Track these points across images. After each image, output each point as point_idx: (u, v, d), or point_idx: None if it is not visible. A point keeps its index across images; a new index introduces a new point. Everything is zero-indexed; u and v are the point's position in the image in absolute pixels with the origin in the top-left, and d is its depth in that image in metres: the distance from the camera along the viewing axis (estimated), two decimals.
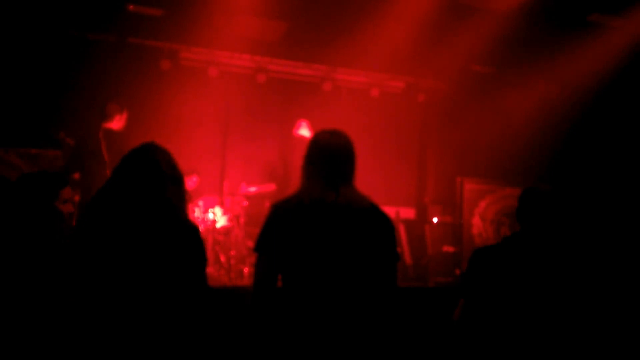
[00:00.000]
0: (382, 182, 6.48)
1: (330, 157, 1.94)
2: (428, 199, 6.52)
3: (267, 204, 5.12)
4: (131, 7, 5.26)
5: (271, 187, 5.54)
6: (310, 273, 1.84)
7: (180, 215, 1.83)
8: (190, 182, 5.26)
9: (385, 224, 1.92)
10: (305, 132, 5.26)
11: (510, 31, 5.35)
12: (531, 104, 6.12)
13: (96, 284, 1.65)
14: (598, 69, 5.54)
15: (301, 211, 1.87)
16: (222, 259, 4.80)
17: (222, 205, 5.33)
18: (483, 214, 5.86)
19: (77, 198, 4.25)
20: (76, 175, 4.37)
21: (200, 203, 5.10)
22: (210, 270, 4.60)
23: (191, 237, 1.81)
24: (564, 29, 5.44)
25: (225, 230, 4.98)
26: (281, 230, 1.86)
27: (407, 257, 5.51)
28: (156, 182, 1.80)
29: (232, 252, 4.85)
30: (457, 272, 5.10)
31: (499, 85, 6.44)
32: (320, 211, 1.86)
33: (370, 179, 5.74)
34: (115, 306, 1.63)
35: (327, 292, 1.82)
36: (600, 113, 5.79)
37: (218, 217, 4.98)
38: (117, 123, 4.53)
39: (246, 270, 4.73)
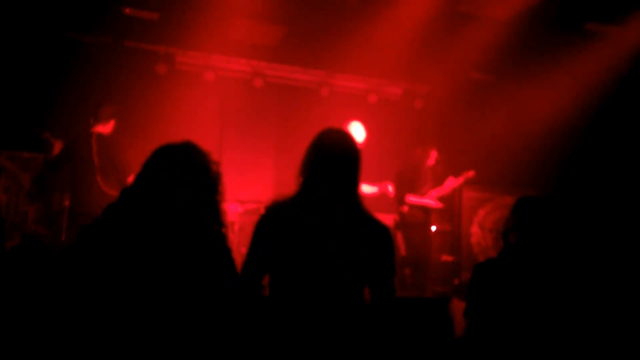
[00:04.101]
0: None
1: (336, 161, 1.82)
2: None
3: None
4: (127, 10, 5.24)
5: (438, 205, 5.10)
6: (301, 282, 1.76)
7: (211, 225, 1.69)
8: None
9: (386, 239, 1.84)
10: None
11: (508, 39, 5.37)
12: (529, 112, 6.12)
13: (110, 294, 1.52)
14: (596, 78, 5.55)
15: (297, 218, 1.77)
16: None
17: None
18: (482, 222, 5.84)
19: (66, 203, 4.19)
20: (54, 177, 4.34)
21: None
22: None
23: (217, 248, 1.67)
24: (561, 37, 5.46)
25: None
26: (273, 234, 1.79)
27: (405, 267, 5.46)
28: (196, 190, 1.65)
29: None
30: (456, 281, 5.06)
31: (497, 93, 6.44)
32: (317, 220, 1.76)
33: None
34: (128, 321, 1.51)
35: (317, 303, 1.74)
36: (599, 121, 5.80)
37: None
38: (108, 127, 4.48)
39: None
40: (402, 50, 5.59)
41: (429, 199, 5.00)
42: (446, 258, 5.53)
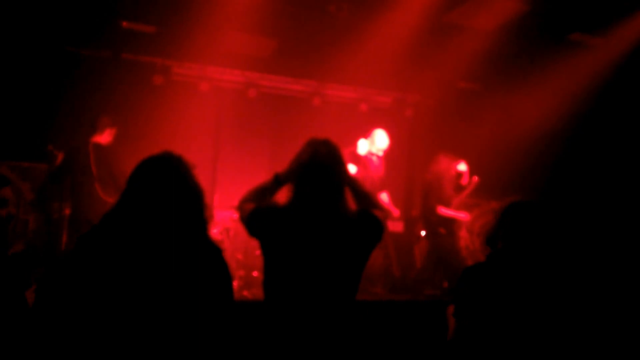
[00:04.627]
0: None
1: (321, 171, 1.92)
2: (416, 212, 6.58)
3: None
4: (125, 23, 5.34)
5: (467, 216, 5.19)
6: (298, 284, 1.84)
7: (202, 236, 1.71)
8: None
9: (377, 235, 1.99)
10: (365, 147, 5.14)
11: (495, 49, 5.50)
12: (516, 119, 6.23)
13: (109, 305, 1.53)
14: (581, 86, 5.67)
15: (292, 222, 1.87)
16: None
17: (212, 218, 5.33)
18: (470, 226, 5.92)
19: (67, 211, 4.28)
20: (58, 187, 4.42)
21: None
22: None
23: (213, 260, 1.68)
24: (546, 47, 5.59)
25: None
26: (267, 232, 1.90)
27: (396, 270, 5.56)
28: (179, 198, 1.67)
29: None
30: (445, 284, 5.15)
31: (484, 101, 6.56)
32: (311, 224, 1.86)
33: None
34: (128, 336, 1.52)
35: (314, 303, 1.84)
36: (584, 128, 5.91)
37: None
38: (106, 137, 4.57)
39: (235, 283, 4.75)
40: (392, 61, 5.70)
41: (458, 211, 5.08)
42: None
